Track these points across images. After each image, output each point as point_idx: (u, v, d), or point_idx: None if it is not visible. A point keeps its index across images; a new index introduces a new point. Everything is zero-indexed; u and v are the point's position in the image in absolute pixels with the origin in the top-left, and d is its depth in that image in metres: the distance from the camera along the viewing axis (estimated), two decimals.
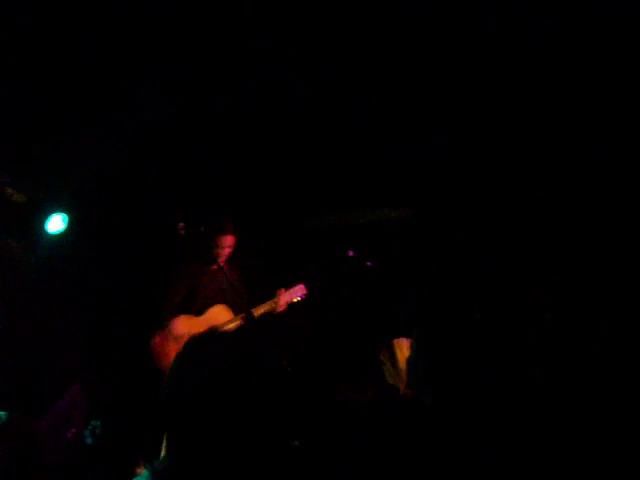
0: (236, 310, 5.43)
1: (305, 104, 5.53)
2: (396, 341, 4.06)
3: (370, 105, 5.62)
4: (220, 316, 5.39)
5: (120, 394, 4.80)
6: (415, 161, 6.01)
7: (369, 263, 5.79)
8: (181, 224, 5.16)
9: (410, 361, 3.07)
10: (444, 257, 6.12)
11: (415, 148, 5.91)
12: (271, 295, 5.51)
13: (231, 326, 5.27)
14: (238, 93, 5.20)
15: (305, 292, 5.57)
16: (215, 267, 5.44)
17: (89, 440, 3.57)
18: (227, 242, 5.40)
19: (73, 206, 5.57)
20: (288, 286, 5.53)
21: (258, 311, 5.34)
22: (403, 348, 3.56)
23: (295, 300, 5.53)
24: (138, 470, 3.19)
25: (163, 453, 1.93)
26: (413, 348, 3.10)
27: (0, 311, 5.59)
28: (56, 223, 5.64)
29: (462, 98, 5.44)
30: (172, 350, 5.02)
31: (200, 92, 5.05)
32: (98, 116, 5.04)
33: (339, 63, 5.12)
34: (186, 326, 5.23)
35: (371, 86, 5.40)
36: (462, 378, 2.72)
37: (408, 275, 6.23)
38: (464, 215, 6.21)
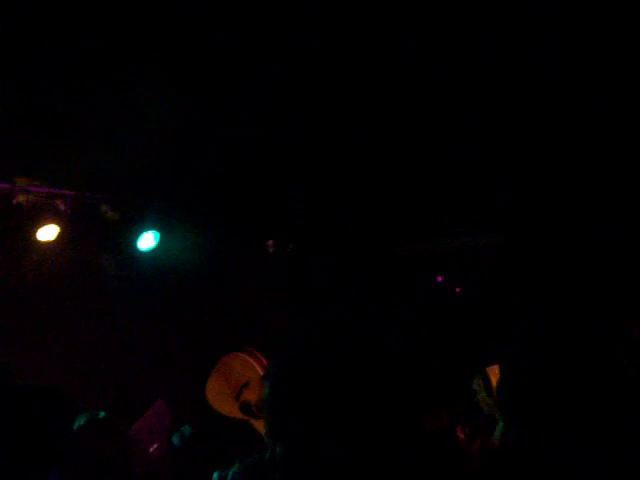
0: None
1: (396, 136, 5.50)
2: (489, 368, 3.95)
3: (463, 140, 5.55)
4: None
5: (204, 410, 4.79)
6: (505, 187, 5.91)
7: (458, 289, 5.70)
8: (270, 242, 5.18)
9: (497, 387, 2.96)
10: (531, 284, 5.97)
11: (504, 175, 5.82)
12: None
13: None
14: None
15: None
16: None
17: (176, 442, 3.56)
18: None
19: (165, 224, 5.66)
20: None
21: None
22: (497, 374, 3.45)
23: None
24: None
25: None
26: (500, 373, 2.99)
27: (91, 325, 5.72)
28: (148, 240, 5.75)
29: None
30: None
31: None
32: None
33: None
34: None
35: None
36: (551, 406, 2.58)
37: (496, 301, 6.10)
38: (551, 242, 6.07)
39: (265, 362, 4.76)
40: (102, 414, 3.08)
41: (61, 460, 2.25)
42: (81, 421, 3.03)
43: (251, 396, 4.39)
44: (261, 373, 4.84)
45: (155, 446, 5.13)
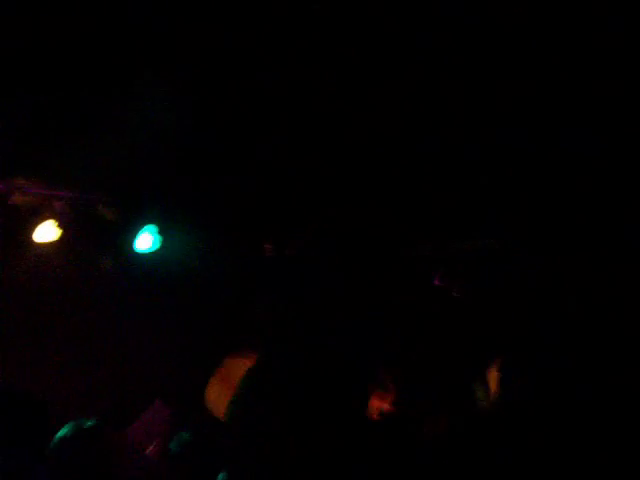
0: None
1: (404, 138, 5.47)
2: (492, 373, 3.96)
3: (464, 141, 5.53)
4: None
5: (203, 412, 4.78)
6: (504, 190, 5.88)
7: (455, 293, 5.68)
8: (268, 245, 5.15)
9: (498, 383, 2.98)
10: (534, 287, 5.95)
11: (504, 177, 5.79)
12: None
13: None
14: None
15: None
16: None
17: (173, 448, 3.56)
18: None
19: (163, 223, 5.65)
20: None
21: None
22: (493, 369, 3.47)
23: None
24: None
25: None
26: (502, 371, 3.00)
27: (90, 325, 5.72)
28: (146, 241, 5.74)
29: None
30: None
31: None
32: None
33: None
34: None
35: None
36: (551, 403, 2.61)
37: (493, 305, 6.08)
38: (554, 248, 6.04)
39: None
40: (89, 423, 3.08)
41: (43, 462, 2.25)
42: (65, 430, 3.04)
43: None
44: None
45: (152, 447, 5.14)
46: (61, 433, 3.04)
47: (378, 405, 4.61)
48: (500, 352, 3.91)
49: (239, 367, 4.82)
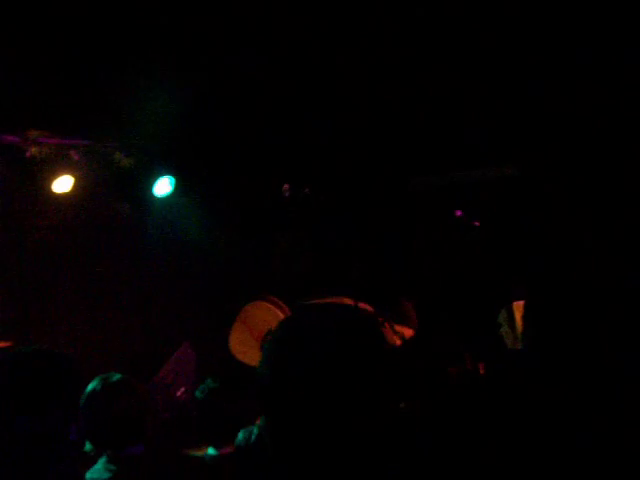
0: None
1: (409, 64, 5.37)
2: (515, 304, 3.95)
3: (474, 72, 5.41)
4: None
5: (228, 356, 4.83)
6: (521, 115, 5.79)
7: (477, 223, 5.63)
8: (286, 185, 5.11)
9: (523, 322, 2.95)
10: (553, 216, 5.90)
11: (521, 102, 5.68)
12: None
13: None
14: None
15: None
16: None
17: (198, 395, 3.61)
18: None
19: (180, 169, 5.64)
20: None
21: None
22: (521, 310, 3.45)
23: None
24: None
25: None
26: (525, 310, 2.98)
27: (112, 273, 5.76)
28: (164, 186, 5.73)
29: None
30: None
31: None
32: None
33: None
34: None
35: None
36: (573, 345, 2.56)
37: (516, 235, 6.04)
38: (573, 173, 5.97)
39: (288, 310, 4.77)
40: (117, 376, 3.12)
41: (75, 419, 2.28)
42: (94, 384, 3.08)
43: None
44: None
45: (182, 389, 5.24)
46: (90, 388, 3.08)
47: (400, 330, 4.67)
48: (526, 285, 3.89)
49: (262, 311, 4.85)
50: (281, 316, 4.77)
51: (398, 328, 4.74)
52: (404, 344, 4.69)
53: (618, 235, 5.47)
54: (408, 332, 4.92)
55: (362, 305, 4.87)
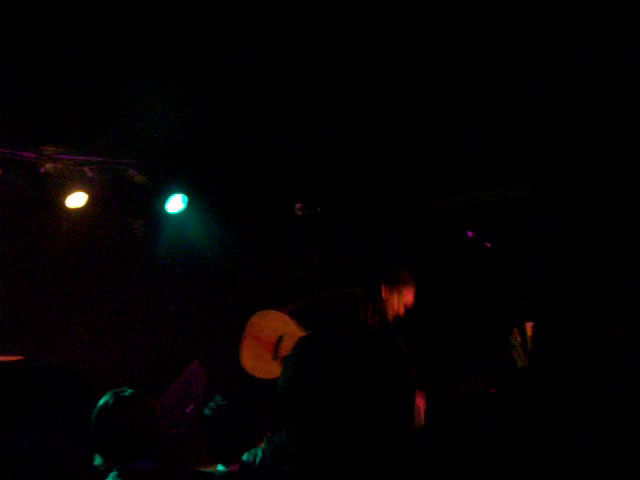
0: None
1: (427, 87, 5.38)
2: (528, 324, 3.94)
3: (492, 92, 5.42)
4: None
5: (239, 370, 4.82)
6: (535, 136, 5.78)
7: (488, 244, 5.62)
8: (299, 204, 5.13)
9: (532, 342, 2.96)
10: (566, 236, 5.88)
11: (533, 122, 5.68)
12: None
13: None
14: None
15: None
16: None
17: (207, 412, 3.60)
18: None
19: (192, 186, 5.66)
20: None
21: None
22: (529, 324, 3.45)
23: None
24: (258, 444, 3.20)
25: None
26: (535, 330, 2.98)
27: (123, 288, 5.78)
28: (176, 203, 5.76)
29: None
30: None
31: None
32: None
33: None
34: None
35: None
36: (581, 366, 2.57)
37: (527, 256, 6.02)
38: (587, 194, 5.95)
39: (292, 320, 4.77)
40: (129, 391, 3.12)
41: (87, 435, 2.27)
42: (106, 398, 3.08)
43: (289, 349, 4.39)
44: (292, 324, 4.82)
45: (191, 407, 5.23)
46: (101, 402, 3.09)
47: (403, 299, 4.70)
48: (536, 306, 3.88)
49: (268, 319, 4.83)
50: (288, 318, 4.78)
51: (399, 296, 4.78)
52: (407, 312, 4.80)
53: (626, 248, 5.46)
54: (408, 298, 4.96)
55: (357, 290, 4.90)
